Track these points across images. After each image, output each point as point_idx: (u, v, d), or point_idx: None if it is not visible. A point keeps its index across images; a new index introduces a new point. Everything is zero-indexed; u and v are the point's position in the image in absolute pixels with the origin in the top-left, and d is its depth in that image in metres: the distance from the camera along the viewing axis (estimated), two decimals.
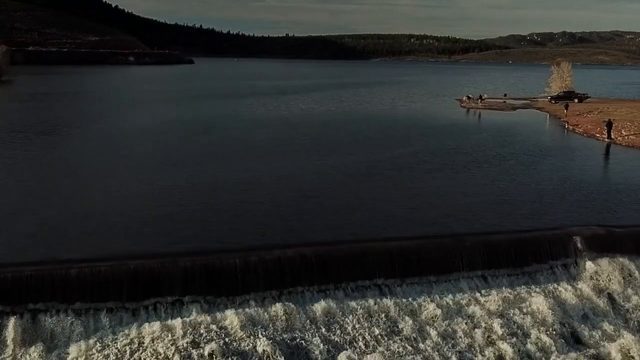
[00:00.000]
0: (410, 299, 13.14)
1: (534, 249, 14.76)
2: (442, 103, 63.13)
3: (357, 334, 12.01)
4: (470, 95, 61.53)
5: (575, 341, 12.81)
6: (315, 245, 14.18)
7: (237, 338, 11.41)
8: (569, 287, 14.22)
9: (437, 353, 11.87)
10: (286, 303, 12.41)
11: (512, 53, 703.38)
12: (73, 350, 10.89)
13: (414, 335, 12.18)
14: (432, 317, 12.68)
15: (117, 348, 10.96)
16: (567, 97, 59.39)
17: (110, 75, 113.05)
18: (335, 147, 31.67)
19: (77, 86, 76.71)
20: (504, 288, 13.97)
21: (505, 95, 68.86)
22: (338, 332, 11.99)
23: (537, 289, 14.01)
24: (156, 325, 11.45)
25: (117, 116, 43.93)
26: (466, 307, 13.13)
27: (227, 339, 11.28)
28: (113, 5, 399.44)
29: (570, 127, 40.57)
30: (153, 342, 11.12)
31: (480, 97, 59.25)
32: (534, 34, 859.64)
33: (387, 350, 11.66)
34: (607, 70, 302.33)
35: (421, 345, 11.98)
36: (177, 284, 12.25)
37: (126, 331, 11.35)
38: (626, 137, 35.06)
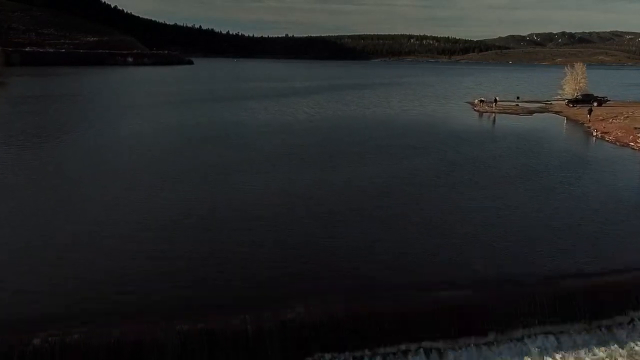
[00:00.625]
0: None
1: (614, 297, 11.98)
2: (453, 107, 60.19)
3: None
4: (483, 99, 58.44)
5: None
6: (342, 298, 11.34)
7: None
8: None
9: None
10: None
11: (512, 53, 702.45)
12: None
13: None
14: None
15: None
16: (585, 100, 56.33)
17: (108, 77, 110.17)
18: (345, 157, 28.68)
19: (72, 88, 73.88)
20: (579, 350, 11.19)
21: (517, 98, 65.97)
22: None
23: (621, 350, 11.24)
24: None
25: (110, 122, 41.10)
26: None
27: None
28: (112, 6, 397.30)
29: (599, 135, 37.49)
30: None
31: (495, 100, 56.05)
32: (533, 34, 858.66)
33: None
34: (608, 70, 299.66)
35: None
36: (171, 356, 9.48)
37: None
38: None
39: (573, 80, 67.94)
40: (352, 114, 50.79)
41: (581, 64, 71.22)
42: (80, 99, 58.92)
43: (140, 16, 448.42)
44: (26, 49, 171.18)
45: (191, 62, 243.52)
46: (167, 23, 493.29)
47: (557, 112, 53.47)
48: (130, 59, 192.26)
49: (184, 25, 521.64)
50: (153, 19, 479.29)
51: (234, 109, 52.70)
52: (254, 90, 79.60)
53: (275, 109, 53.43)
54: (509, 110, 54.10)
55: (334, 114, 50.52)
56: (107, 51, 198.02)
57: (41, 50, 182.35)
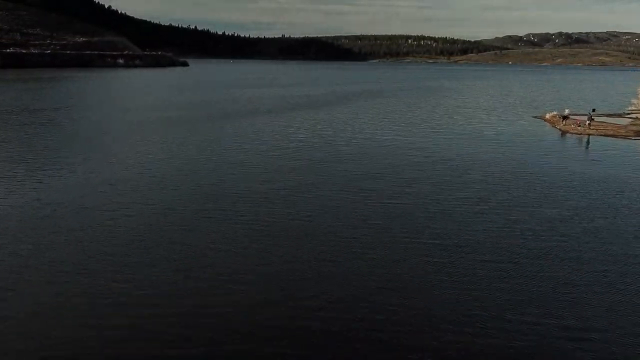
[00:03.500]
0: None
1: None
2: (522, 124, 47.27)
3: None
4: (566, 115, 45.70)
5: None
6: None
7: None
8: None
9: None
10: None
11: (511, 54, 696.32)
12: None
13: None
14: None
15: None
16: None
17: (92, 82, 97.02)
18: (409, 207, 18.52)
19: (46, 98, 61.00)
20: None
21: (593, 110, 53.25)
22: None
23: None
24: None
25: (79, 153, 28.76)
26: None
27: None
28: (106, 6, 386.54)
29: None
30: None
31: (590, 118, 42.90)
32: (530, 35, 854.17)
33: None
34: (617, 72, 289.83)
35: None
36: None
37: None
38: None
39: None
40: (390, 132, 38.52)
41: None
42: (48, 115, 45.97)
43: (135, 17, 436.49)
44: (7, 50, 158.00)
45: (186, 64, 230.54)
46: (162, 24, 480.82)
47: None
48: (120, 61, 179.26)
49: (179, 25, 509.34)
50: (148, 19, 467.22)
51: (242, 128, 40.11)
52: (260, 101, 66.89)
53: (295, 125, 40.89)
54: (608, 130, 41.61)
55: (372, 135, 38.03)
56: (96, 52, 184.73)
57: (24, 51, 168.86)
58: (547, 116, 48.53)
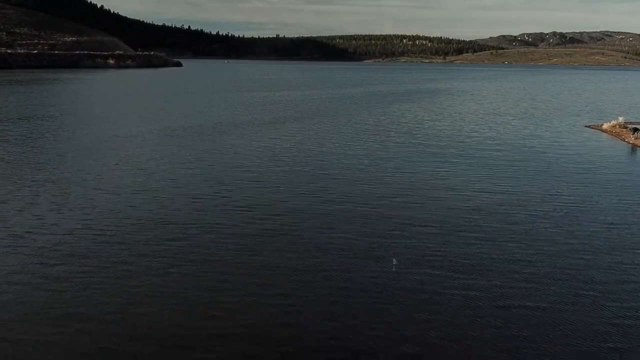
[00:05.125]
0: None
1: None
2: (576, 136, 40.56)
3: None
4: (638, 127, 38.70)
5: None
6: None
7: None
8: None
9: None
10: None
11: (507, 54, 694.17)
12: None
13: None
14: None
15: None
16: None
17: (74, 85, 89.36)
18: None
19: (10, 106, 53.65)
20: None
21: None
22: None
23: None
24: None
25: (45, 181, 21.67)
26: None
27: None
28: (99, 6, 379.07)
29: None
30: None
31: None
32: (524, 35, 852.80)
33: None
34: (620, 72, 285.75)
35: None
36: None
37: None
38: None
39: None
40: (433, 139, 31.54)
41: None
42: (16, 129, 38.50)
43: (128, 17, 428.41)
44: None
45: (179, 64, 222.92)
46: (155, 24, 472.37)
47: None
48: (111, 61, 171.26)
49: (173, 25, 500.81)
50: (141, 19, 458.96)
51: (249, 143, 32.97)
52: (266, 107, 59.77)
53: (317, 137, 33.83)
54: None
55: (415, 149, 31.06)
56: (85, 52, 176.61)
57: (9, 51, 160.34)
58: (605, 126, 41.82)
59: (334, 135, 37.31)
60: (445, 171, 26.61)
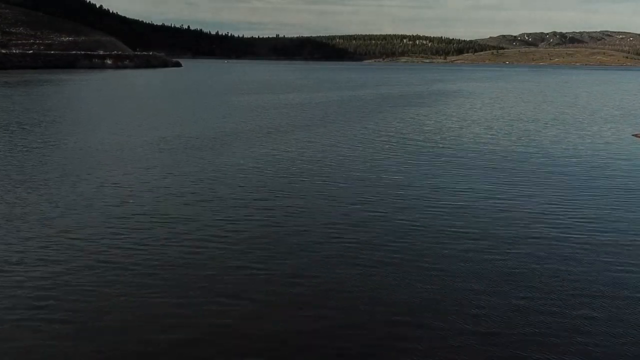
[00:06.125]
0: None
1: None
2: (617, 145, 36.10)
3: None
4: None
5: None
6: None
7: None
8: None
9: None
10: None
11: (508, 54, 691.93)
12: None
13: None
14: None
15: None
16: None
17: (68, 87, 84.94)
18: None
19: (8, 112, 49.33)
20: None
21: None
22: None
23: None
24: None
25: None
26: None
27: None
28: (97, 5, 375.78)
29: None
30: None
31: None
32: (524, 34, 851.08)
33: None
34: (626, 72, 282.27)
35: None
36: None
37: None
38: None
39: None
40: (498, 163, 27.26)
41: None
42: None
43: (127, 17, 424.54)
44: None
45: (179, 64, 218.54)
46: (155, 23, 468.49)
47: None
48: (108, 62, 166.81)
49: (172, 25, 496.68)
50: (141, 19, 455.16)
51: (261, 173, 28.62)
52: (271, 112, 55.42)
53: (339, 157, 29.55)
54: None
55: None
56: (82, 52, 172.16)
57: (4, 51, 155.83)
58: None
59: (353, 147, 32.92)
60: (491, 188, 22.44)
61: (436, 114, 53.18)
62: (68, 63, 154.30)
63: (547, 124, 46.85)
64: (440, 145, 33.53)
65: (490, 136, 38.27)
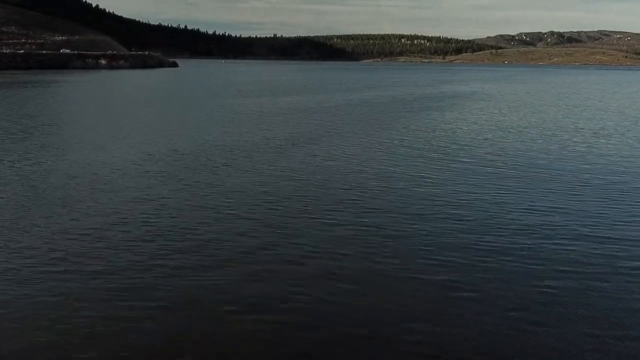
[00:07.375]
0: None
1: None
2: None
3: None
4: None
5: None
6: None
7: None
8: None
9: None
10: None
11: (507, 53, 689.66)
12: None
13: None
14: None
15: None
16: None
17: (55, 89, 79.62)
18: None
19: None
20: None
21: None
22: None
23: None
24: None
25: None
26: None
27: None
28: (93, 5, 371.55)
29: None
30: None
31: None
32: (522, 34, 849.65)
33: None
34: (627, 71, 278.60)
35: None
36: None
37: None
38: None
39: None
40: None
41: None
42: None
43: (124, 16, 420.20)
44: None
45: (175, 65, 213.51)
46: (151, 23, 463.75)
47: None
48: (102, 62, 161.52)
49: (169, 25, 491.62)
50: (137, 19, 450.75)
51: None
52: (275, 119, 50.20)
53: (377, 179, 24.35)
54: None
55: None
56: (76, 52, 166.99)
57: None
58: None
59: (383, 164, 27.73)
60: (535, 205, 17.53)
61: (463, 121, 47.98)
62: (61, 63, 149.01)
63: (595, 133, 41.67)
64: (487, 158, 28.34)
65: (528, 146, 32.99)
